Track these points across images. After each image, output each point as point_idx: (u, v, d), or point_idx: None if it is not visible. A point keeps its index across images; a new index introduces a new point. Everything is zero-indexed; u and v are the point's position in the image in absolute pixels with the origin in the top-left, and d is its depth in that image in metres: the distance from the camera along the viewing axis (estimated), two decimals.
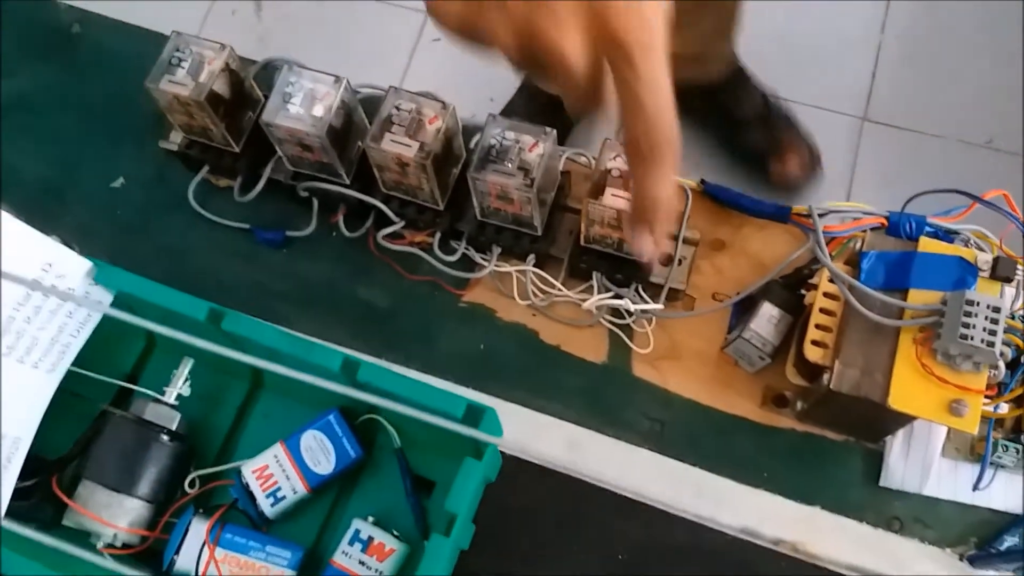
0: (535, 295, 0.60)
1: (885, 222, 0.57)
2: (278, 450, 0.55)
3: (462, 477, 0.48)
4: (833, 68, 1.42)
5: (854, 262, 0.54)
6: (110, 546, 0.53)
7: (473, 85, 1.42)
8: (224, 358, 0.56)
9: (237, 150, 0.62)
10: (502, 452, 0.58)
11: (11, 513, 0.50)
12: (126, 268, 0.53)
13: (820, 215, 0.55)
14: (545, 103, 1.31)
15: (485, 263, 0.61)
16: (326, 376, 0.52)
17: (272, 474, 0.54)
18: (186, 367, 0.56)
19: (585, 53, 0.32)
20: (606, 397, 0.59)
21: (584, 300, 0.59)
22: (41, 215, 0.64)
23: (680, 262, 0.59)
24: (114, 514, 0.53)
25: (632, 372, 0.59)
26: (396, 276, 0.63)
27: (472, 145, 0.62)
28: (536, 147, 0.54)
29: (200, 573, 0.52)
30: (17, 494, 0.50)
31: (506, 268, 0.61)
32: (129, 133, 0.68)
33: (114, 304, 0.54)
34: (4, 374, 0.49)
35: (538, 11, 0.32)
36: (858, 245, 0.53)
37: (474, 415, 0.48)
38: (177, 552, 0.53)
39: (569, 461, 0.58)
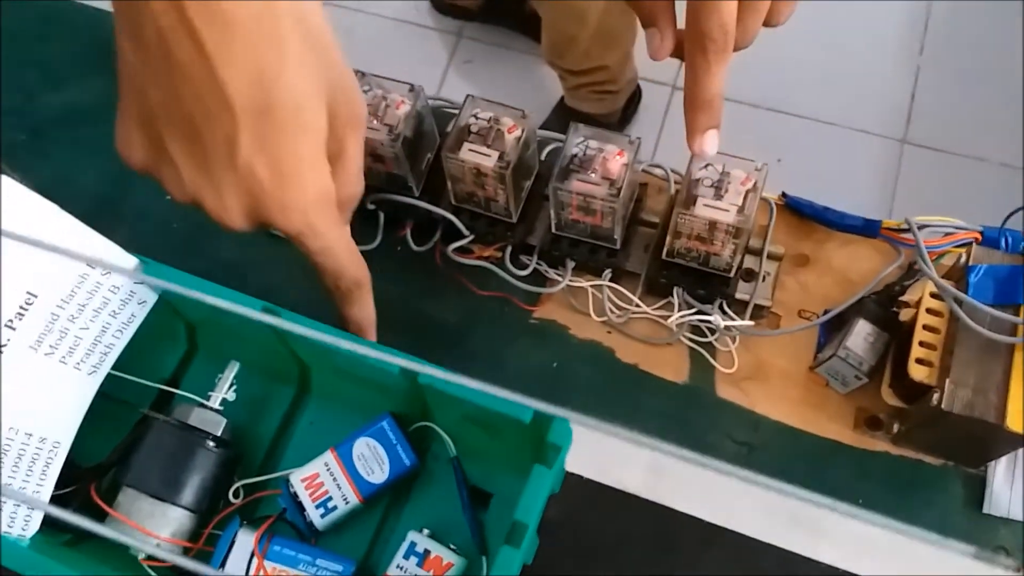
0: (612, 311, 0.57)
1: (979, 236, 0.54)
2: (329, 458, 0.52)
3: (533, 486, 0.46)
4: (870, 89, 1.41)
5: (955, 277, 0.52)
6: (152, 558, 0.50)
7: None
8: (269, 361, 0.55)
9: None
10: (580, 476, 0.55)
11: (48, 523, 0.48)
12: None
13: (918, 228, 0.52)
14: (582, 121, 1.30)
15: (559, 278, 0.58)
16: (385, 379, 0.50)
17: (323, 483, 0.52)
18: (232, 371, 0.54)
19: (251, 227, 0.38)
20: (689, 419, 0.56)
21: (665, 317, 0.57)
22: (97, 228, 0.62)
23: (764, 278, 0.57)
24: (157, 524, 0.50)
25: (716, 393, 0.57)
26: (465, 292, 0.60)
27: (543, 156, 0.60)
28: (622, 156, 0.52)
29: None
30: (54, 502, 0.48)
31: (581, 283, 0.58)
32: None
33: (159, 304, 0.52)
34: (45, 375, 0.47)
35: (205, 192, 0.36)
36: (962, 260, 0.51)
37: (541, 423, 0.46)
38: (223, 565, 0.50)
39: (650, 487, 0.55)
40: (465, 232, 0.58)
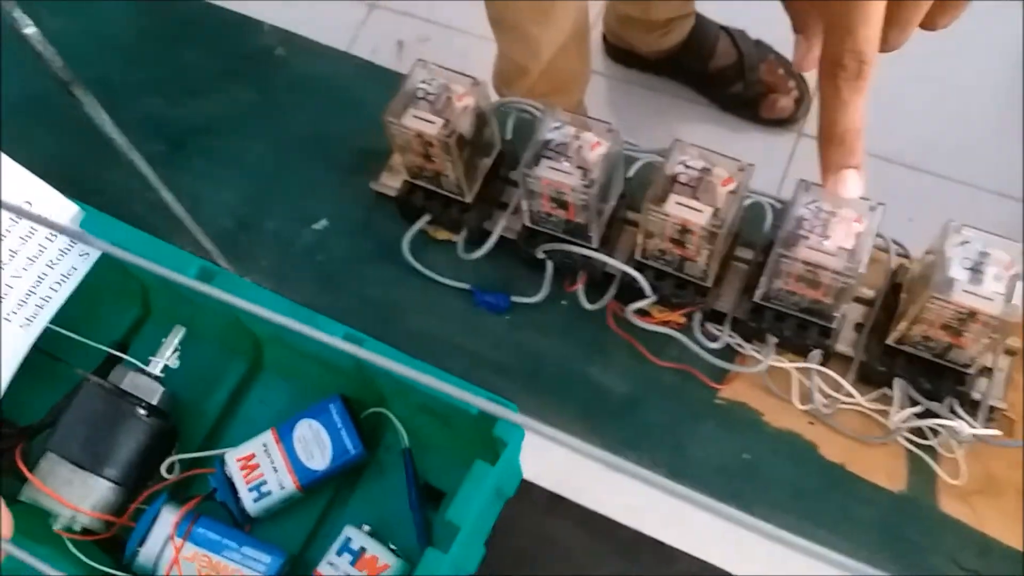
0: (820, 401, 0.50)
1: None
2: (268, 438, 0.48)
3: (470, 482, 0.41)
4: (984, 142, 1.27)
5: None
6: (68, 530, 0.46)
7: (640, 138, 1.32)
8: (223, 332, 0.50)
9: (468, 200, 0.54)
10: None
11: None
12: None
13: None
14: None
15: (756, 355, 0.51)
16: (337, 360, 0.45)
17: (259, 464, 0.48)
18: (176, 336, 0.50)
19: None
20: (905, 535, 0.48)
21: (881, 411, 0.49)
22: (233, 253, 0.57)
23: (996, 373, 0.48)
24: (76, 493, 0.46)
25: (938, 507, 0.48)
26: (639, 359, 0.53)
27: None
28: (859, 223, 0.44)
29: (163, 571, 0.45)
30: None
31: (782, 364, 0.50)
32: (333, 170, 0.61)
33: (112, 261, 0.47)
34: None
35: None
36: None
37: (488, 416, 0.41)
38: (141, 543, 0.46)
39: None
40: (648, 292, 0.51)
